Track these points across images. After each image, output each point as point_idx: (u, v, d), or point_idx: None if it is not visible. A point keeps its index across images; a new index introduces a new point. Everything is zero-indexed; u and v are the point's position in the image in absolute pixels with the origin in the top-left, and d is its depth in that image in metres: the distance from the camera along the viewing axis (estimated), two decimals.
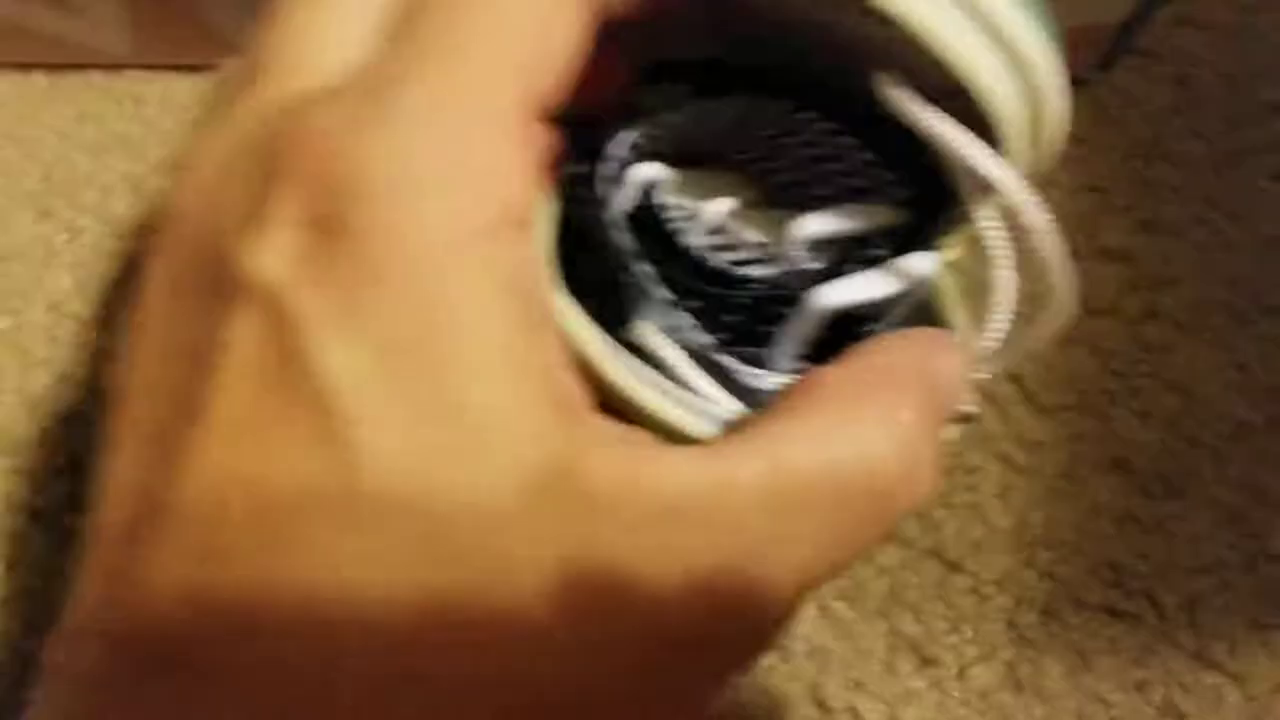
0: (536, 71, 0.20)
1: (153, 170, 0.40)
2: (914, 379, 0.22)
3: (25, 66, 0.41)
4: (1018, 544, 0.35)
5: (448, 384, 0.18)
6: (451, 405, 0.18)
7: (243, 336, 0.18)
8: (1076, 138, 0.42)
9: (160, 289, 0.20)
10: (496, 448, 0.18)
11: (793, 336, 0.25)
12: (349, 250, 0.18)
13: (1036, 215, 0.23)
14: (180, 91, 0.42)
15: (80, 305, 0.38)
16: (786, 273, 0.26)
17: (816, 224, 0.26)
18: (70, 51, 0.41)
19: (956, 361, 0.23)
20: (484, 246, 0.19)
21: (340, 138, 0.18)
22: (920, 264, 0.25)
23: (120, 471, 0.20)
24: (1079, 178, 0.42)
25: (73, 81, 0.42)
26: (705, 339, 0.24)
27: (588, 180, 0.25)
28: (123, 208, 0.39)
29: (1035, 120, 0.24)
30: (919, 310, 0.28)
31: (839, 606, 0.34)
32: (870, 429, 0.20)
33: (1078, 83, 0.43)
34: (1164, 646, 0.34)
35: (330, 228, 0.18)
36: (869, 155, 0.27)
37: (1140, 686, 0.33)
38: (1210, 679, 0.34)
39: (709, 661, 0.20)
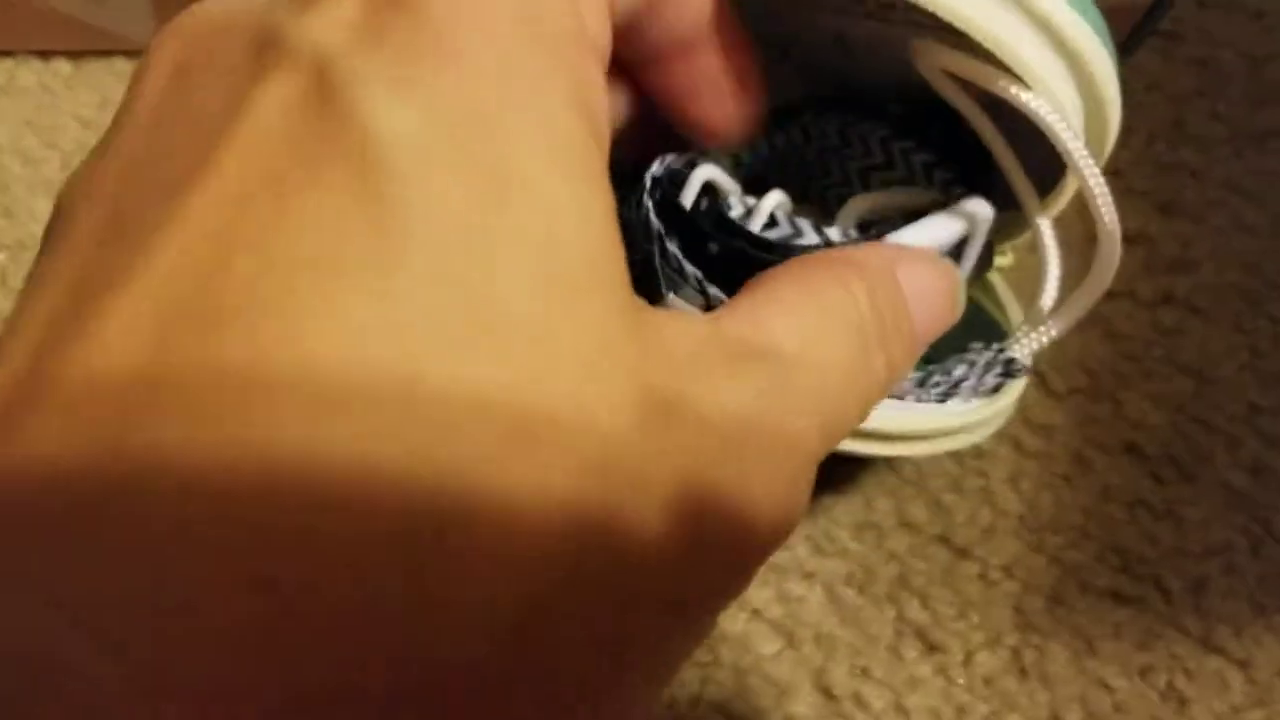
0: None
1: None
2: (872, 265, 0.22)
3: (47, 54, 0.42)
4: (1026, 529, 0.35)
5: (512, 167, 0.16)
6: (515, 188, 0.16)
7: (274, 96, 0.16)
8: None
9: (166, 71, 0.18)
10: (560, 244, 0.16)
11: None
12: (410, 18, 0.16)
13: (1097, 181, 0.25)
14: None
15: None
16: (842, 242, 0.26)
17: (863, 203, 0.27)
18: (94, 38, 0.41)
19: (926, 268, 0.24)
20: (561, 50, 0.17)
21: None
22: (980, 207, 0.27)
23: (66, 258, 0.16)
24: None
25: (96, 68, 0.42)
26: None
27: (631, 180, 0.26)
28: None
29: (1092, 121, 0.25)
30: (971, 313, 0.28)
31: (847, 593, 0.34)
32: (827, 296, 0.21)
33: None
34: (1169, 631, 0.34)
35: None
36: (926, 156, 0.28)
37: (1144, 672, 0.34)
38: (1214, 664, 0.34)
39: (755, 550, 0.19)
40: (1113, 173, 0.41)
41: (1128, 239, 0.40)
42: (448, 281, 0.15)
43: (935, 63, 0.25)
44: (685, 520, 0.17)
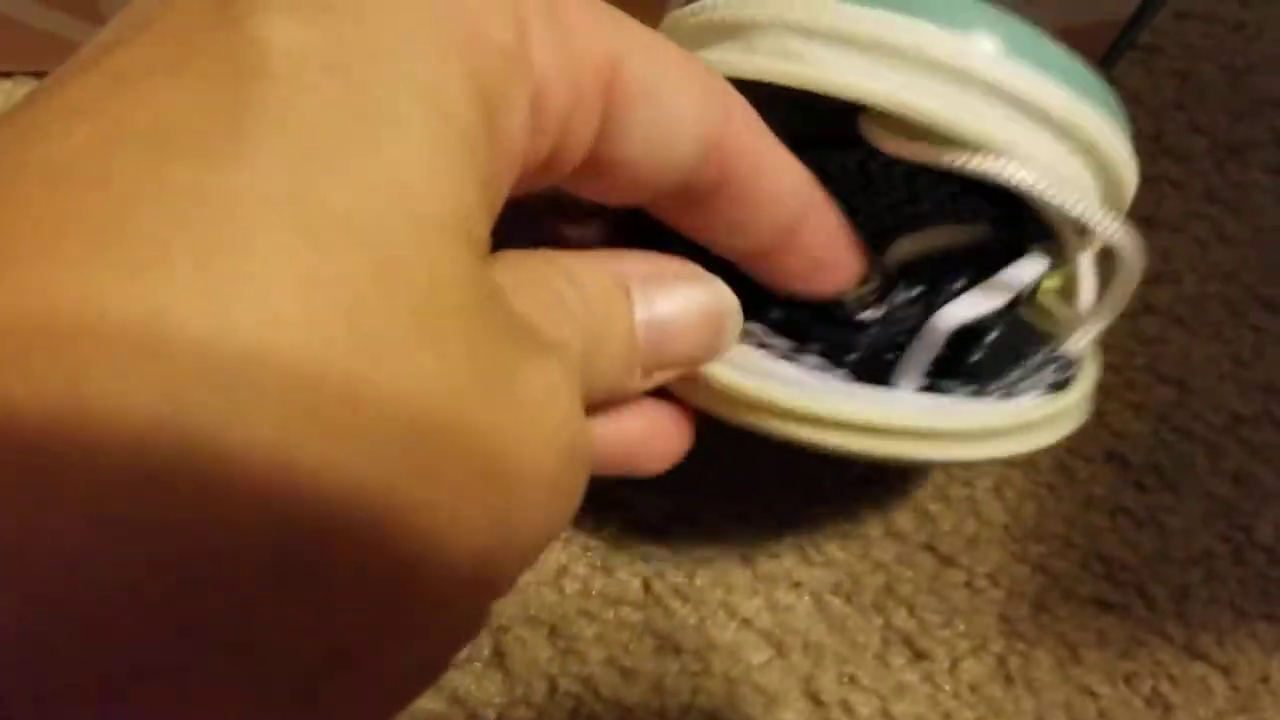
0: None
1: None
2: (591, 289, 0.22)
3: (45, 75, 0.42)
4: (1011, 538, 0.36)
5: (386, 106, 0.16)
6: (380, 124, 0.16)
7: (185, 6, 0.17)
8: None
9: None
10: (408, 189, 0.16)
11: (918, 360, 0.26)
12: None
13: (1122, 240, 0.25)
14: None
15: None
16: (894, 306, 0.27)
17: (910, 244, 0.28)
18: None
19: (678, 296, 0.23)
20: (476, 45, 0.18)
21: None
22: (1023, 273, 0.27)
23: None
24: None
25: None
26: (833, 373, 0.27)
27: None
28: None
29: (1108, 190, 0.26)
30: (1026, 332, 0.29)
31: (835, 601, 0.35)
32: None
33: None
34: (1153, 638, 0.35)
35: None
36: (951, 187, 0.28)
37: (1128, 678, 0.34)
38: (1198, 670, 0.34)
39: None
40: None
41: (1109, 252, 0.41)
42: (276, 191, 0.15)
43: (890, 150, 0.25)
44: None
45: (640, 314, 0.22)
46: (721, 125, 0.22)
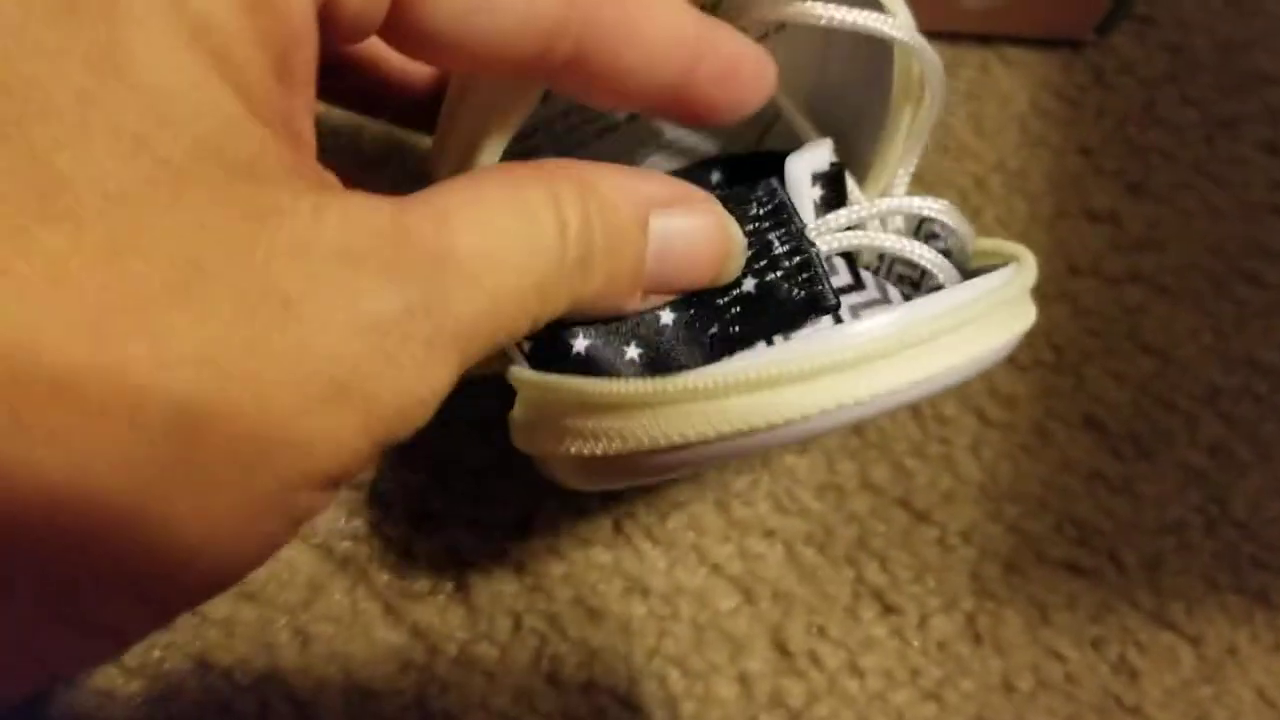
0: None
1: None
2: (602, 190, 0.21)
3: None
4: (986, 497, 0.36)
5: (126, 46, 0.16)
6: (121, 70, 0.16)
7: None
8: (1071, 100, 0.42)
9: None
10: (163, 129, 0.16)
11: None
12: None
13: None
14: None
15: None
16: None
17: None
18: None
19: (688, 219, 0.22)
20: None
21: None
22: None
23: None
24: (1071, 140, 0.42)
25: None
26: None
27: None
28: None
29: None
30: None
31: (807, 552, 0.34)
32: (535, 209, 0.20)
33: (1075, 46, 0.43)
34: (1122, 604, 0.34)
35: None
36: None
37: (1096, 643, 0.34)
38: (1166, 638, 0.34)
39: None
40: (1082, 152, 0.42)
41: (1095, 217, 0.40)
42: (21, 158, 0.15)
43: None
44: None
45: (655, 241, 0.22)
46: (560, 7, 0.20)
